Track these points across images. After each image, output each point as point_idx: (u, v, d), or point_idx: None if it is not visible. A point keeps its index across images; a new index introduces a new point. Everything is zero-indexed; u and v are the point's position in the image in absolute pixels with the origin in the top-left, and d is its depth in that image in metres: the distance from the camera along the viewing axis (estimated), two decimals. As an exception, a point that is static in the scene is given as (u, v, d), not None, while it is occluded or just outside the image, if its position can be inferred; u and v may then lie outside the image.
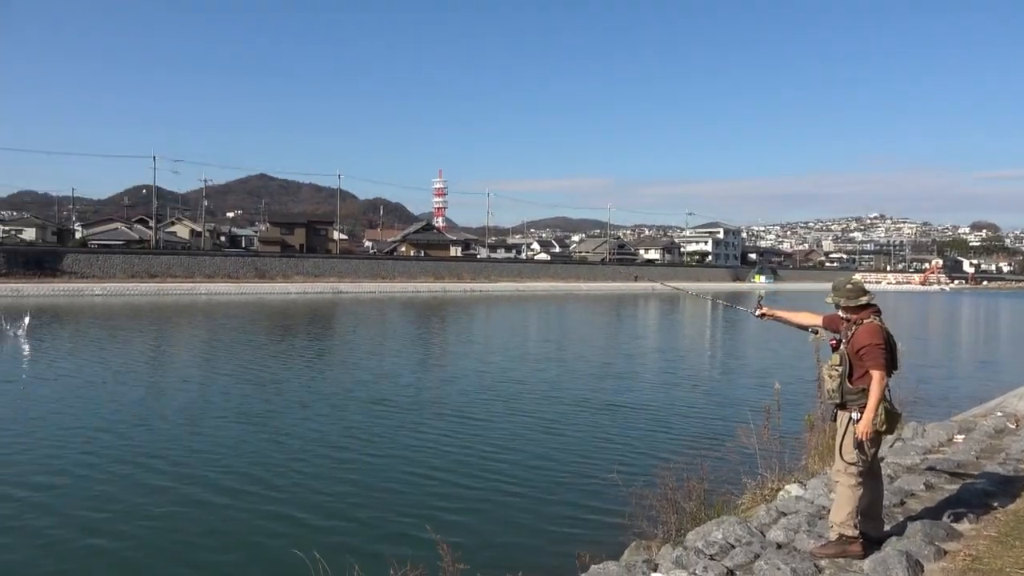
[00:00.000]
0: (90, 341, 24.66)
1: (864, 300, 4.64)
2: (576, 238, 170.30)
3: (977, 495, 5.63)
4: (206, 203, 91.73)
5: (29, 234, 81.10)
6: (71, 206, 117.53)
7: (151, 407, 13.77)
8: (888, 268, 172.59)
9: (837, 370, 4.62)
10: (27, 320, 25.02)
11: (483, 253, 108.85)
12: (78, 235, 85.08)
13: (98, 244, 72.31)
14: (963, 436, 8.09)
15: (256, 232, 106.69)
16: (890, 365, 4.53)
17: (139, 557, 6.98)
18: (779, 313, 5.37)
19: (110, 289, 52.77)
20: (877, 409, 4.42)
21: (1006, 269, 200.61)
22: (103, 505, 8.27)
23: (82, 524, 7.70)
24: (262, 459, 10.17)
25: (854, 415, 4.55)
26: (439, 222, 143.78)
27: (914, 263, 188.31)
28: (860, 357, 4.50)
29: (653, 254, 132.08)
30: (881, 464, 5.59)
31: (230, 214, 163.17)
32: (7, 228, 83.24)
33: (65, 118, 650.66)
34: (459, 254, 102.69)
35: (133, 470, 9.61)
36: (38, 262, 57.96)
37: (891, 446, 7.77)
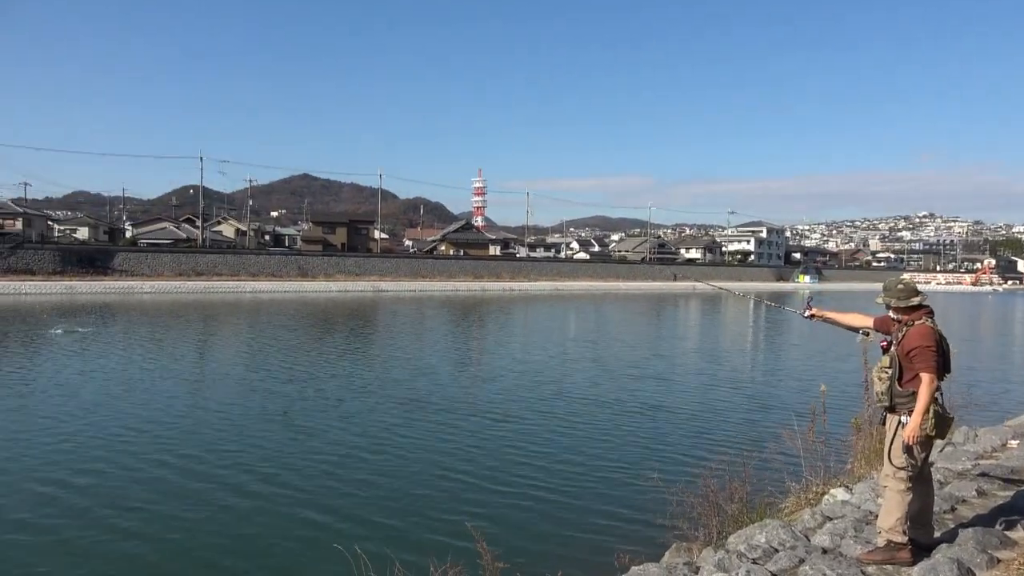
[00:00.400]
0: (138, 339, 25.33)
1: (916, 301, 4.52)
2: (616, 237, 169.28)
3: (1033, 502, 5.45)
4: (251, 203, 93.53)
5: (82, 233, 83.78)
6: (122, 206, 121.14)
7: (190, 406, 14.06)
8: (938, 268, 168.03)
9: (887, 372, 4.51)
10: (88, 321, 25.94)
11: (522, 252, 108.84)
12: (128, 234, 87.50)
13: (147, 243, 74.25)
14: (1017, 441, 7.84)
15: (299, 231, 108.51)
16: (941, 368, 4.42)
17: (177, 557, 7.12)
18: (828, 314, 5.24)
19: (159, 287, 54.09)
20: (926, 413, 4.31)
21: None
22: (139, 505, 8.40)
23: (115, 525, 7.80)
24: (299, 458, 10.30)
25: (903, 419, 4.44)
26: (478, 221, 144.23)
27: (965, 263, 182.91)
28: (910, 359, 4.40)
29: (694, 253, 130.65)
30: (931, 470, 5.44)
31: (274, 213, 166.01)
32: (62, 227, 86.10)
33: (116, 120, 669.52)
34: (498, 253, 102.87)
35: (168, 471, 9.75)
36: (91, 260, 59.71)
37: (941, 451, 7.56)
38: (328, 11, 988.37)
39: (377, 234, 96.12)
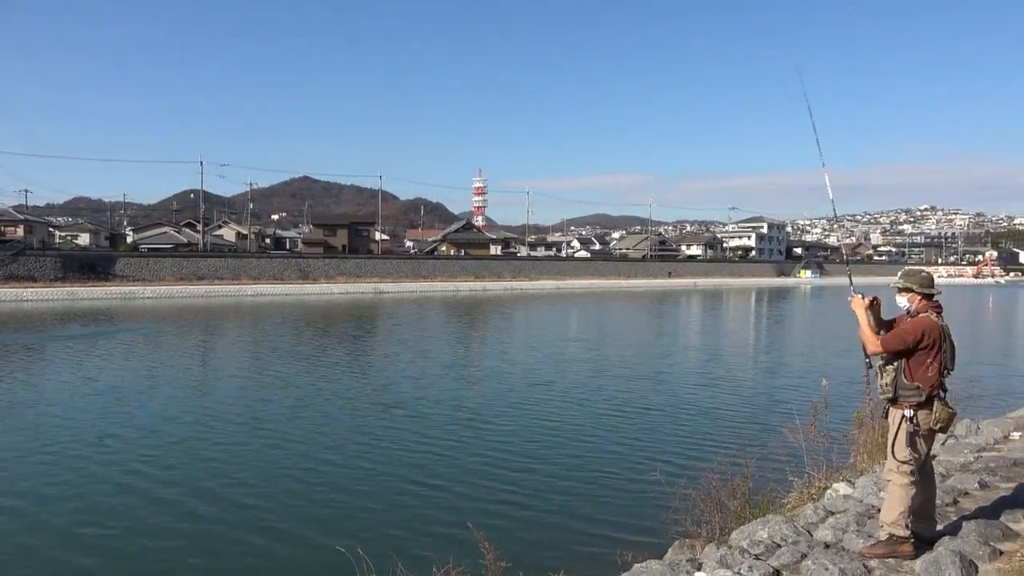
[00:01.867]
0: (134, 345, 25.32)
1: (932, 291, 4.57)
2: (616, 235, 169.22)
3: (1035, 494, 5.45)
4: (251, 206, 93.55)
5: (83, 239, 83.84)
6: (122, 211, 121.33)
7: (191, 412, 14.04)
8: (939, 260, 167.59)
9: (892, 365, 4.52)
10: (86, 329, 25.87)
11: (523, 251, 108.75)
12: (129, 239, 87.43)
13: (148, 248, 74.19)
14: (1020, 433, 7.84)
15: (300, 234, 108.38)
16: (941, 364, 4.43)
17: (185, 556, 7.15)
18: (861, 316, 4.68)
19: (160, 292, 54.10)
20: (864, 326, 4.60)
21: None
22: (145, 505, 8.47)
23: (124, 525, 7.86)
24: (299, 463, 10.30)
25: (906, 412, 4.45)
26: (479, 221, 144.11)
27: (967, 255, 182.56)
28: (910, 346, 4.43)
29: (695, 250, 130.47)
30: (933, 462, 5.44)
31: (275, 216, 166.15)
32: (63, 234, 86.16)
33: (116, 124, 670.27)
34: (499, 253, 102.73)
35: (177, 473, 9.83)
36: (92, 266, 59.68)
37: (943, 444, 7.56)
38: (324, 12, 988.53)
39: (378, 235, 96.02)
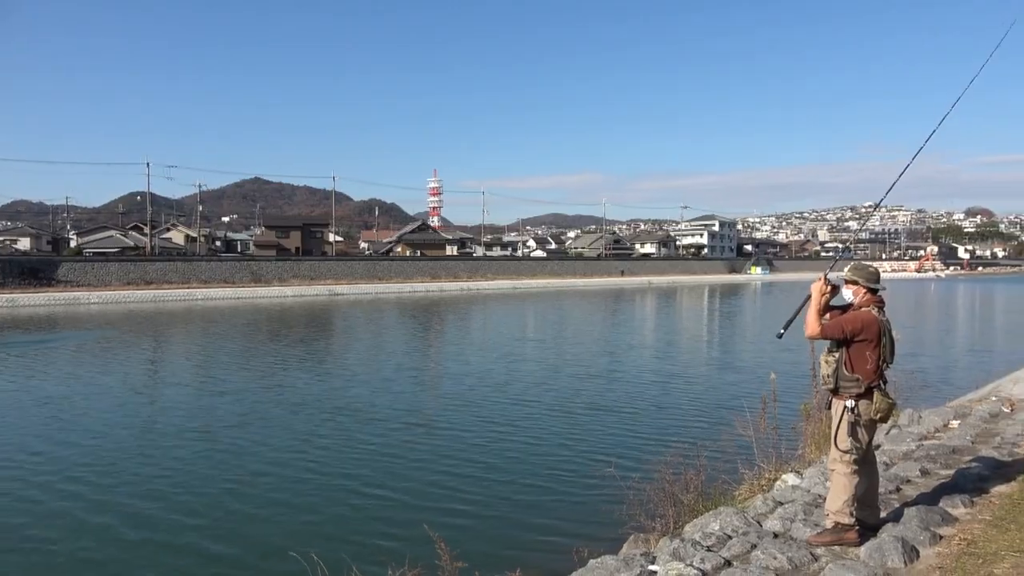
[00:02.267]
0: (73, 352, 24.58)
1: (876, 287, 4.69)
2: (572, 234, 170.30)
3: (972, 480, 5.65)
4: (201, 208, 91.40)
5: (24, 244, 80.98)
6: (65, 215, 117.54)
7: (138, 421, 13.72)
8: (883, 256, 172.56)
9: (834, 356, 4.63)
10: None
11: (479, 251, 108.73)
12: (73, 243, 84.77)
13: (93, 252, 72.04)
14: (958, 422, 8.11)
15: (251, 236, 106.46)
16: (880, 357, 4.55)
17: (140, 558, 6.97)
18: (815, 297, 4.71)
19: (106, 297, 52.59)
20: (814, 308, 4.61)
21: (1001, 254, 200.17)
22: (80, 523, 8.24)
23: (55, 549, 7.61)
24: (252, 468, 10.14)
25: (848, 403, 4.56)
26: (434, 222, 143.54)
27: (909, 250, 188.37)
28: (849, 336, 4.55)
29: (649, 248, 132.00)
30: (876, 451, 5.60)
31: (225, 218, 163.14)
32: (2, 238, 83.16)
33: (58, 126, 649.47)
34: (455, 253, 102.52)
35: (116, 491, 9.55)
36: (33, 272, 57.68)
37: (887, 433, 7.79)
38: (277, 11, 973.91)
39: (332, 237, 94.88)
